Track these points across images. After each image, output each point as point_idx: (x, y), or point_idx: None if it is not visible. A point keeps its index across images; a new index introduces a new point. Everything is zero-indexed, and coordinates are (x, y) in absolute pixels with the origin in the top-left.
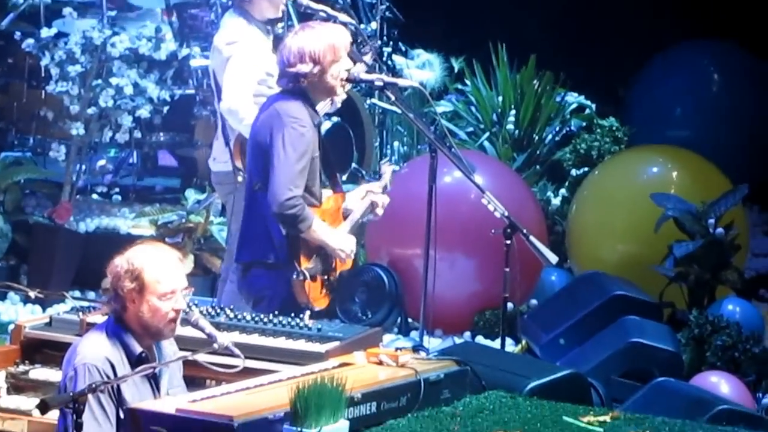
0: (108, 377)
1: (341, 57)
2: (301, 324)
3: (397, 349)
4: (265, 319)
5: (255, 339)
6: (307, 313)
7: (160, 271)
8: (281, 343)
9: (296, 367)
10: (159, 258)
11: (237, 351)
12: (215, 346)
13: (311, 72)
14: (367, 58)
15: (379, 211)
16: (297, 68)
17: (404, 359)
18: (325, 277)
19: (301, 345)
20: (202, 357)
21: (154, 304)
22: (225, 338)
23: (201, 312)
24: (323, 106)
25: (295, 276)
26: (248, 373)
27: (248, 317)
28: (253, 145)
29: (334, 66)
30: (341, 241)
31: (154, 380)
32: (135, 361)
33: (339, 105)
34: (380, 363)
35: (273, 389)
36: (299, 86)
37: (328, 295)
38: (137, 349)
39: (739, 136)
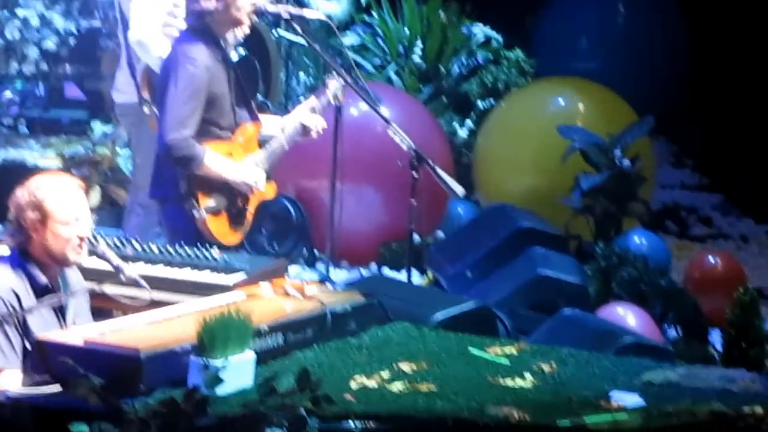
0: (13, 308)
1: None
2: (208, 255)
3: (303, 280)
4: (172, 251)
5: (161, 270)
6: (215, 247)
7: (61, 198)
8: (188, 274)
9: (203, 299)
10: (60, 186)
11: (143, 282)
12: (122, 277)
13: (216, 9)
14: None
15: (314, 134)
16: (201, 5)
17: (311, 291)
18: (232, 211)
19: (207, 277)
20: (108, 288)
21: (58, 231)
22: (131, 270)
23: (107, 243)
24: (231, 37)
25: (194, 213)
26: (155, 304)
27: (155, 248)
28: (160, 84)
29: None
30: (242, 174)
31: (60, 311)
32: (40, 291)
33: (241, 38)
34: (287, 295)
35: (179, 321)
36: (203, 23)
37: (241, 231)
38: (42, 279)
39: (645, 68)
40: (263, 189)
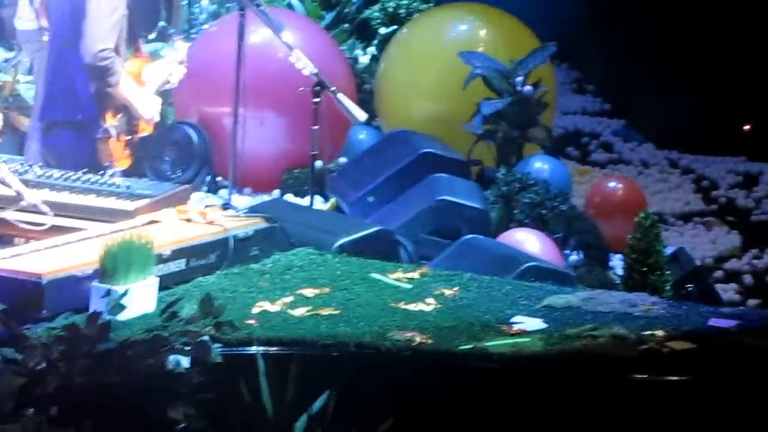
0: None
1: None
2: (110, 182)
3: (206, 206)
4: (74, 177)
5: (64, 197)
6: (111, 170)
7: None
8: (90, 200)
9: (105, 225)
10: None
11: (45, 208)
12: (22, 203)
13: None
14: None
15: (173, 79)
16: None
17: (213, 217)
18: (129, 137)
19: (110, 202)
20: (9, 214)
21: None
22: (33, 195)
23: (9, 169)
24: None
25: (100, 133)
26: (57, 230)
27: (56, 174)
28: (55, 5)
29: None
30: (146, 102)
31: None
32: None
33: None
34: (189, 221)
35: (82, 247)
36: None
37: (131, 156)
38: None
39: None
40: (156, 121)
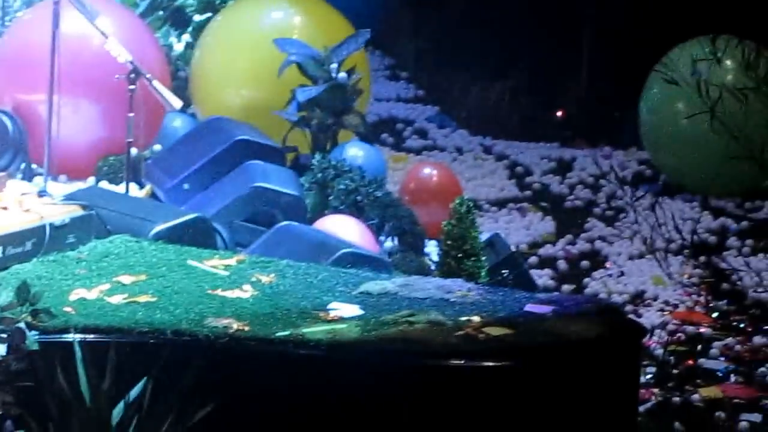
0: None
1: None
2: None
3: (22, 194)
4: None
5: None
6: None
7: None
8: None
9: None
10: None
11: None
12: None
13: None
14: None
15: None
16: None
17: (29, 204)
18: None
19: None
20: None
21: None
22: None
23: None
24: None
25: None
26: None
27: None
28: None
29: None
30: None
31: None
32: None
33: None
34: (5, 209)
35: None
36: None
37: None
38: None
39: None
40: None
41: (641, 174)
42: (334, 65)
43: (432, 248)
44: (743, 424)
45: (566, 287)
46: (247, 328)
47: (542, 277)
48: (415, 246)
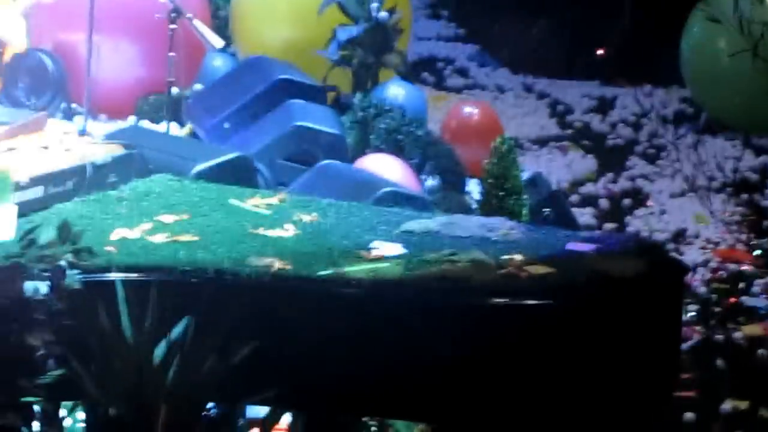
0: None
1: None
2: None
3: (63, 133)
4: None
5: None
6: None
7: None
8: None
9: None
10: None
11: None
12: None
13: None
14: None
15: None
16: None
17: (70, 143)
18: None
19: None
20: None
21: None
22: None
23: None
24: None
25: None
26: None
27: None
28: None
29: None
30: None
31: None
32: None
33: None
34: (46, 148)
35: None
36: None
37: None
38: None
39: None
40: (19, 42)
41: (683, 112)
42: (375, 4)
43: (473, 187)
44: None
45: (608, 225)
46: (288, 267)
47: (584, 215)
48: (457, 185)
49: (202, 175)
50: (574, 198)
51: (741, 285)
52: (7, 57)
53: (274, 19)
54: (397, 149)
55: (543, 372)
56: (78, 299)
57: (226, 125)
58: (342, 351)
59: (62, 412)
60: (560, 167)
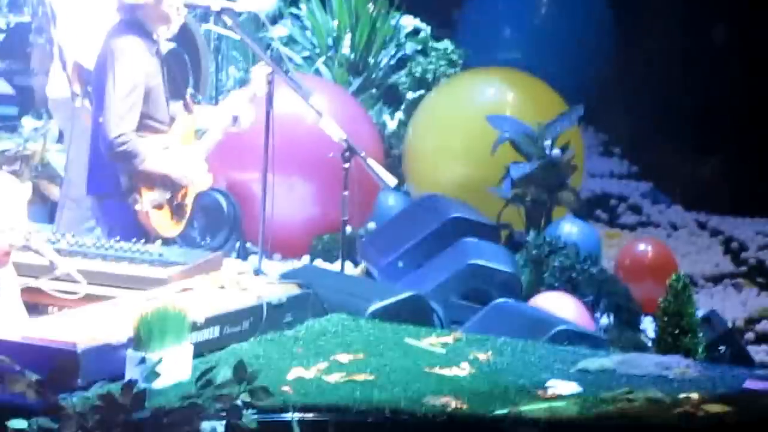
0: None
1: None
2: (143, 249)
3: (238, 273)
4: (107, 245)
5: (97, 265)
6: (158, 241)
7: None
8: (123, 268)
9: (139, 293)
10: (1, 191)
11: (79, 277)
12: (56, 272)
13: (147, 3)
14: None
15: (244, 123)
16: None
17: (246, 283)
18: (174, 204)
19: (143, 270)
20: (44, 284)
21: None
22: (66, 264)
23: (42, 238)
24: (163, 32)
25: (137, 206)
26: (90, 299)
27: (89, 243)
28: (95, 79)
29: None
30: (182, 167)
31: None
32: None
33: (175, 31)
34: (222, 288)
35: (116, 315)
36: (135, 17)
37: (180, 221)
38: None
39: (571, 58)
40: (203, 181)
41: None
42: (548, 142)
43: (648, 324)
44: None
45: None
46: (465, 407)
47: (759, 353)
48: (631, 322)
49: (377, 315)
50: (749, 335)
51: None
52: (190, 198)
53: (448, 158)
54: (570, 287)
55: None
56: None
57: (400, 264)
58: None
59: None
60: (735, 304)
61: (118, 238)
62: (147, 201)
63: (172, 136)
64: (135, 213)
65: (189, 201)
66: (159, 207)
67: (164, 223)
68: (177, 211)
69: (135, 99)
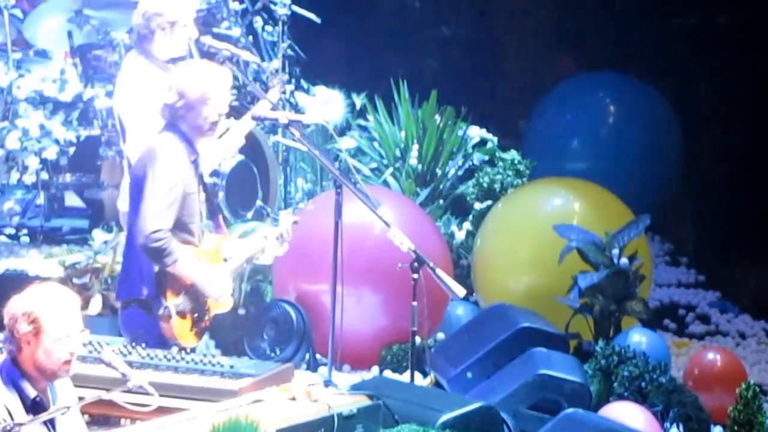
0: (4, 422)
1: (210, 98)
2: (214, 361)
3: (309, 384)
4: (178, 357)
5: (168, 377)
6: (174, 348)
7: (57, 313)
8: (194, 380)
9: (210, 405)
10: (55, 300)
11: (151, 389)
12: (128, 384)
13: (176, 105)
14: (272, 95)
15: (265, 259)
16: (166, 100)
17: (317, 394)
18: (195, 315)
19: (214, 382)
20: (115, 396)
21: (49, 347)
22: (138, 376)
23: (113, 351)
24: (218, 148)
25: (161, 311)
26: (162, 411)
27: (161, 355)
28: (133, 178)
29: (201, 106)
30: (212, 280)
31: (50, 423)
32: (30, 404)
33: (241, 143)
34: (293, 399)
35: (189, 427)
36: (174, 120)
37: (199, 335)
38: (32, 393)
39: (637, 168)
40: (226, 302)
41: None
42: (616, 251)
43: None
44: None
45: None
46: None
47: None
48: None
49: (447, 425)
50: None
51: None
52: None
53: (516, 267)
54: (640, 396)
55: None
56: None
57: (470, 375)
58: None
59: None
60: None
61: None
62: (172, 306)
63: (202, 250)
64: (156, 320)
65: (208, 318)
66: (182, 315)
67: (184, 333)
68: (197, 323)
69: (174, 198)
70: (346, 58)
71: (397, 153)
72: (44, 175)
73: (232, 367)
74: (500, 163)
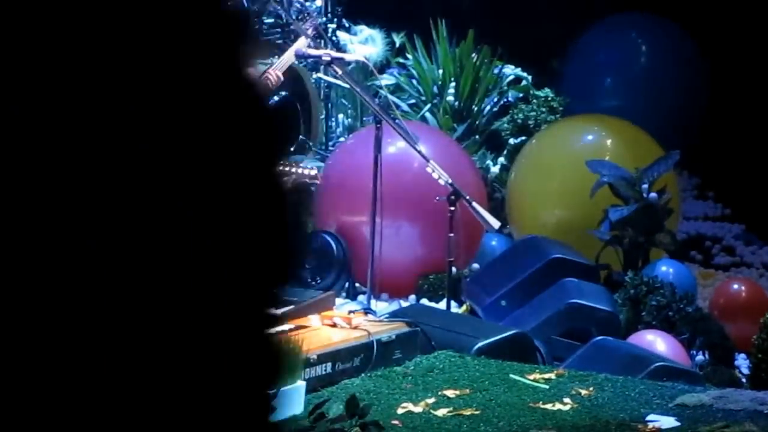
0: None
1: None
2: None
3: (350, 311)
4: None
5: None
6: None
7: None
8: None
9: None
10: None
11: None
12: None
13: None
14: (311, 33)
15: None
16: None
17: (357, 321)
18: None
19: None
20: None
21: None
22: None
23: None
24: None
25: None
26: None
27: None
28: None
29: None
30: None
31: None
32: None
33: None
34: (334, 325)
35: None
36: None
37: None
38: None
39: (667, 105)
40: None
41: None
42: (645, 185)
43: (741, 361)
44: None
45: None
46: None
47: None
48: (725, 359)
49: (482, 352)
50: None
51: None
52: None
53: (548, 201)
54: (667, 325)
55: None
56: None
57: (503, 303)
58: None
59: None
60: None
61: None
62: None
63: None
64: None
65: None
66: None
67: None
68: None
69: None
70: None
71: (435, 90)
72: None
73: None
74: (534, 101)
